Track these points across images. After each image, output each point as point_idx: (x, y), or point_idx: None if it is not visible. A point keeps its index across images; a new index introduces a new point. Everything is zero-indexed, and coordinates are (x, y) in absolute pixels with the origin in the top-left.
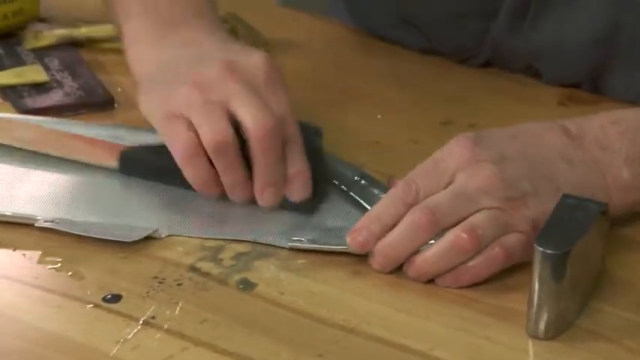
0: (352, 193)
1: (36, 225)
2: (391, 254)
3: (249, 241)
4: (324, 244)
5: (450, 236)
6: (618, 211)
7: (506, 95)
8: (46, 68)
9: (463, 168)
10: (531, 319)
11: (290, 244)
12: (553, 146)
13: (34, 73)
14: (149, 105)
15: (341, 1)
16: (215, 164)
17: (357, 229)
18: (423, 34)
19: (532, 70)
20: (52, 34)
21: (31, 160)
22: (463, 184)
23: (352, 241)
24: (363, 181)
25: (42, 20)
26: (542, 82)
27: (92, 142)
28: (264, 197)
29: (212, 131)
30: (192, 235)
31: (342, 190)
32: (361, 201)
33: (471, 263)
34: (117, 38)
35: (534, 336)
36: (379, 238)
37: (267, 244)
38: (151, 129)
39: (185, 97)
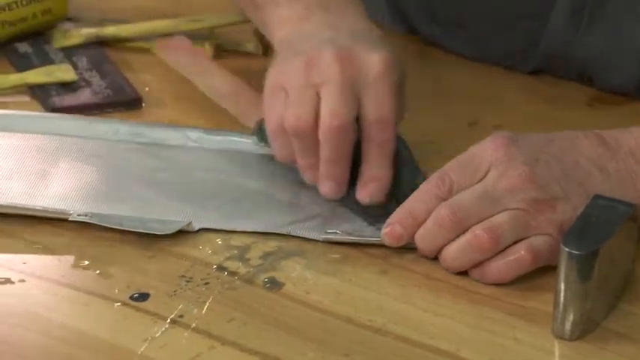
0: None
1: (70, 219)
2: (421, 247)
3: (277, 241)
4: (359, 236)
5: (469, 234)
6: None
7: (533, 95)
8: (74, 67)
9: (496, 165)
10: (557, 320)
11: (324, 236)
12: (588, 154)
13: (62, 72)
14: (267, 75)
15: None
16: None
17: (391, 222)
18: (470, 40)
19: (584, 79)
20: (80, 33)
21: (57, 155)
22: (493, 182)
23: (386, 235)
24: None
25: (70, 19)
26: (594, 88)
27: None
28: (323, 189)
29: (293, 114)
30: (225, 229)
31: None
32: None
33: (496, 263)
34: (146, 38)
35: (560, 336)
36: (412, 232)
37: (295, 243)
38: (171, 125)
39: (291, 72)
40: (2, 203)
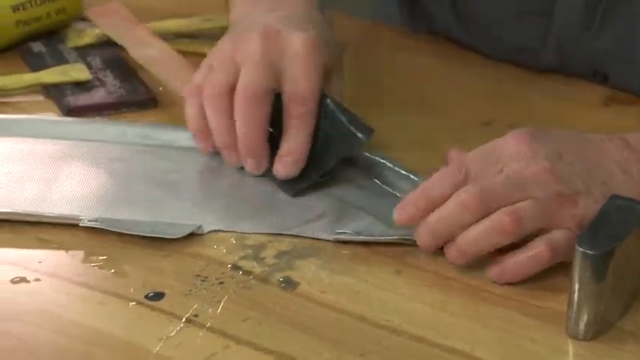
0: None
1: (80, 225)
2: (436, 231)
3: (291, 240)
4: (370, 235)
5: (493, 216)
6: None
7: (548, 95)
8: (89, 67)
9: (517, 160)
10: (571, 320)
11: (334, 236)
12: (612, 155)
13: (76, 72)
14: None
15: None
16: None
17: (404, 204)
18: (481, 35)
19: (599, 77)
20: (93, 33)
21: (67, 160)
22: (515, 172)
23: (399, 216)
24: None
25: (84, 19)
26: (609, 86)
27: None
28: (246, 166)
29: (210, 82)
30: (235, 231)
31: (384, 188)
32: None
33: (515, 259)
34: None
35: (574, 336)
36: (425, 214)
37: (309, 242)
38: (178, 126)
39: (220, 50)
40: (14, 210)
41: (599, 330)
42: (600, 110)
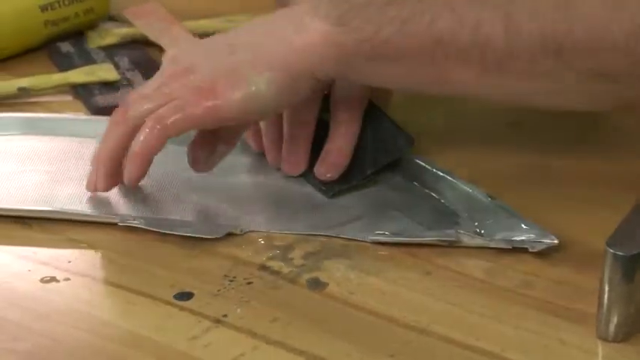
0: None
1: (119, 224)
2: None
3: (320, 241)
4: (408, 236)
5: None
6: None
7: None
8: (116, 67)
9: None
10: (601, 322)
11: (373, 237)
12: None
13: (104, 72)
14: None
15: None
16: None
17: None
18: None
19: None
20: (116, 33)
21: None
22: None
23: (95, 187)
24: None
25: (112, 19)
26: None
27: None
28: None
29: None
30: (271, 230)
31: (422, 190)
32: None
33: (135, 142)
34: None
35: (603, 338)
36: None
37: (338, 242)
38: None
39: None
40: (52, 209)
41: (629, 332)
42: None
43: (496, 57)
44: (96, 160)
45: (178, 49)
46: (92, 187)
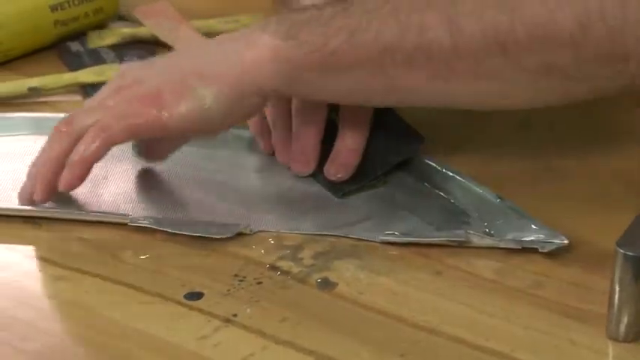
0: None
1: (129, 224)
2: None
3: (329, 241)
4: (418, 236)
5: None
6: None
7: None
8: None
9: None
10: (611, 322)
11: (382, 237)
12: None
13: (114, 72)
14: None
15: None
16: None
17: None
18: None
19: None
20: (115, 33)
21: (113, 159)
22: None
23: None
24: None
25: (121, 18)
26: None
27: None
28: None
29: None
30: (281, 230)
31: (432, 190)
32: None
33: (76, 150)
34: None
35: (614, 338)
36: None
37: (348, 242)
38: None
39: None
40: (62, 209)
41: (639, 332)
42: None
43: (443, 60)
44: (35, 171)
45: (128, 65)
46: (27, 198)
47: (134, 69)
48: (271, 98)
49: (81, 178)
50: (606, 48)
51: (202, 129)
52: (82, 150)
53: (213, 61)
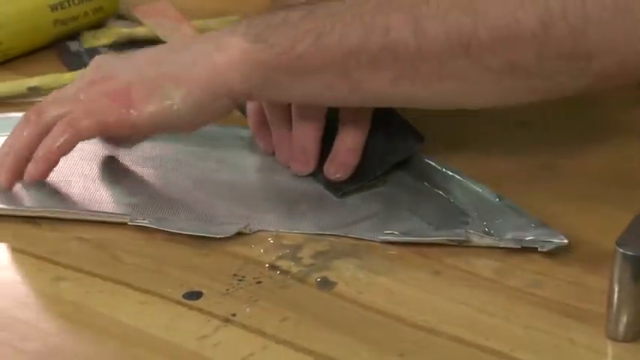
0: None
1: (130, 224)
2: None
3: (329, 240)
4: (417, 236)
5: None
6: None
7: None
8: None
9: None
10: (610, 321)
11: (382, 237)
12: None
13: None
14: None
15: None
16: None
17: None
18: None
19: None
20: (110, 33)
21: (112, 159)
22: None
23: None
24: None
25: (121, 17)
26: None
27: None
28: None
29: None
30: (280, 230)
31: (431, 189)
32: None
33: (43, 143)
34: None
35: (613, 338)
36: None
37: (348, 242)
38: (224, 125)
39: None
40: (62, 208)
41: (638, 331)
42: (636, 110)
43: (408, 61)
44: (0, 158)
45: (103, 57)
46: None
47: (109, 62)
48: (244, 100)
49: (46, 172)
50: (569, 46)
51: (171, 128)
52: (49, 144)
53: (184, 62)
